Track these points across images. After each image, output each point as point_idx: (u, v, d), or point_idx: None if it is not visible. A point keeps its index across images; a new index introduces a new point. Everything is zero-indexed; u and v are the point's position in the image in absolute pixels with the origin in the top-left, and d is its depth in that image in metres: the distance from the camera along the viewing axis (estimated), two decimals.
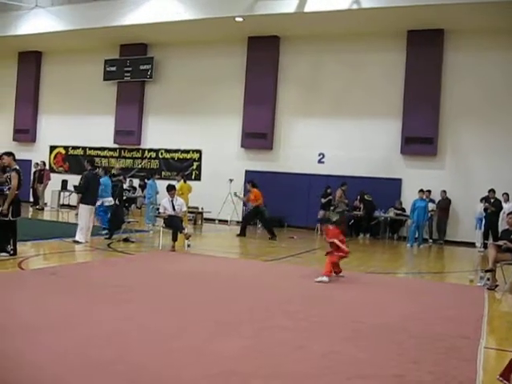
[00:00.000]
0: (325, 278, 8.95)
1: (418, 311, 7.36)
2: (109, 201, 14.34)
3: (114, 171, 17.01)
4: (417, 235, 16.60)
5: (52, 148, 24.86)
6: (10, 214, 9.89)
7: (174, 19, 19.51)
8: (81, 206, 12.67)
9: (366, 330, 6.17)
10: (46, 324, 5.61)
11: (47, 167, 23.28)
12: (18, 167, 10.13)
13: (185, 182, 17.57)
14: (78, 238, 12.46)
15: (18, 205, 10.17)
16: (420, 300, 8.27)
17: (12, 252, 9.99)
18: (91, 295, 7.14)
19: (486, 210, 16.05)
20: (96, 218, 14.68)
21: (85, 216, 12.64)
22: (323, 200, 18.30)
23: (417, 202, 16.40)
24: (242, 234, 16.51)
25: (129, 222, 14.30)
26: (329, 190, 18.32)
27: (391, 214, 18.15)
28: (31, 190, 22.80)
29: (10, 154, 10.33)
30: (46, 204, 22.35)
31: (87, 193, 12.70)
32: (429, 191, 17.38)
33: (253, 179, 17.42)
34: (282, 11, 17.96)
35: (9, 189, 9.86)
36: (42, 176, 22.21)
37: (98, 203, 14.57)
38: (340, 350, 5.32)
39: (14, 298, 6.70)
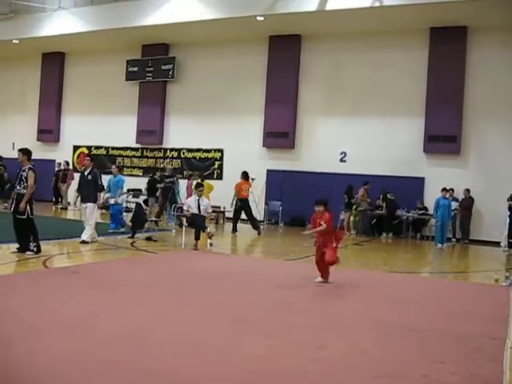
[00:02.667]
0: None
1: (442, 311, 7.29)
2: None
3: (166, 173, 17.12)
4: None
5: (75, 148, 25.10)
6: (28, 212, 9.95)
7: (196, 19, 19.55)
8: (92, 205, 12.18)
9: (390, 329, 6.13)
10: (66, 323, 5.65)
11: (70, 167, 23.49)
12: (32, 166, 10.13)
13: (202, 181, 17.67)
14: (87, 238, 12.14)
15: (32, 202, 10.20)
16: (444, 300, 8.19)
17: (36, 249, 10.07)
18: (113, 294, 7.20)
19: (510, 208, 15.84)
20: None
21: (95, 214, 12.46)
22: (353, 201, 18.16)
23: (440, 200, 16.20)
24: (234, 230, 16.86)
25: (151, 221, 14.37)
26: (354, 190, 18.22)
27: (413, 213, 17.97)
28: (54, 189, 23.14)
29: (25, 152, 10.21)
30: (69, 203, 22.55)
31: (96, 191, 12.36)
32: (452, 190, 17.19)
33: (246, 171, 17.42)
34: (304, 10, 17.89)
35: (24, 187, 9.93)
36: (65, 176, 22.44)
37: (111, 201, 14.72)
38: (364, 349, 5.28)
39: (37, 297, 6.78)
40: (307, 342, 5.41)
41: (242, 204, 16.92)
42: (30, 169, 10.05)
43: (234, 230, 16.80)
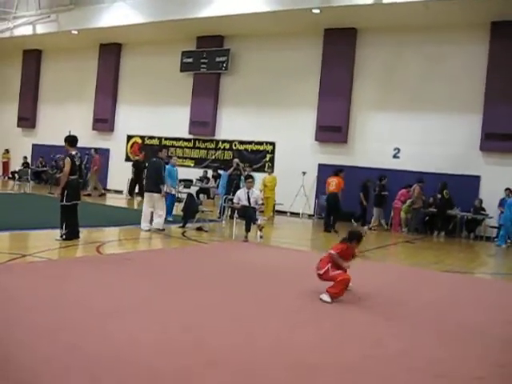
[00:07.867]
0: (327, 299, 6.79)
1: (503, 313, 7.08)
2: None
3: (234, 165, 17.16)
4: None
5: (129, 137, 25.51)
6: (64, 199, 9.96)
7: (250, 11, 19.54)
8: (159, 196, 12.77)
9: (448, 329, 5.97)
10: (118, 309, 5.74)
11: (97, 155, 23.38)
12: (73, 153, 10.16)
13: (271, 173, 17.74)
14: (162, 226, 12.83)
15: (75, 189, 10.20)
16: (503, 301, 7.97)
17: (65, 236, 9.99)
18: (163, 282, 7.27)
19: None
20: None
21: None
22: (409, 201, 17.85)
23: (507, 200, 15.81)
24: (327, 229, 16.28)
25: (203, 212, 14.46)
26: (383, 182, 18.04)
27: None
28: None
29: (66, 139, 10.38)
30: (95, 189, 22.51)
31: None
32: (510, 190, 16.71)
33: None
34: (360, 2, 17.62)
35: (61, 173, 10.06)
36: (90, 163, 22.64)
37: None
38: (419, 348, 5.18)
39: (90, 281, 6.92)
40: (362, 338, 5.35)
41: (326, 199, 16.78)
42: (67, 155, 10.17)
43: (327, 227, 16.26)
